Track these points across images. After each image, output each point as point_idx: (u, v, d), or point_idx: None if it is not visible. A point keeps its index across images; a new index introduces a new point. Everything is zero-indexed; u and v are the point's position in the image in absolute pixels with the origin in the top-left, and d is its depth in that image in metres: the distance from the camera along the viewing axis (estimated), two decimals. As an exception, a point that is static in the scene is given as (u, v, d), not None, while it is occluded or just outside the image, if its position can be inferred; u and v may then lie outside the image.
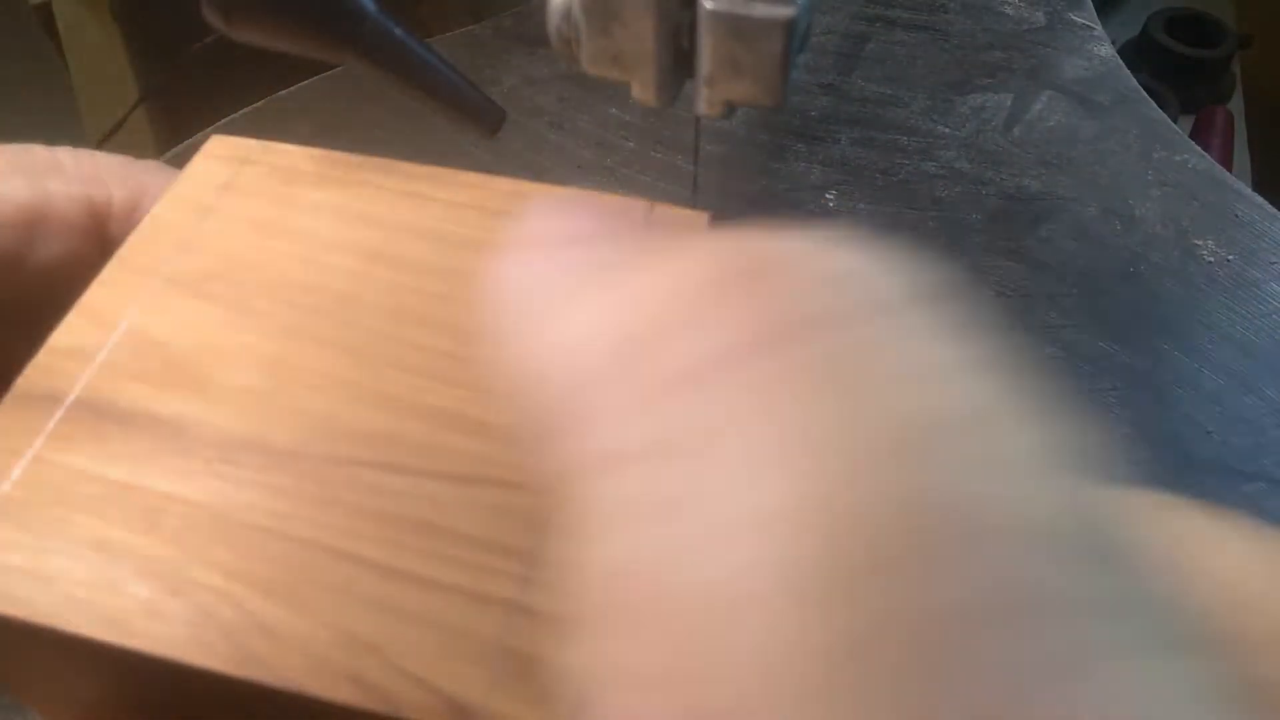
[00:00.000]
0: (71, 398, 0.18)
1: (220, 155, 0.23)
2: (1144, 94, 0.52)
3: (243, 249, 0.21)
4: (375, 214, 0.22)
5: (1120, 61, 0.54)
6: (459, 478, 0.18)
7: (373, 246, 0.21)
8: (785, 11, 0.23)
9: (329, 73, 0.52)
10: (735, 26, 0.23)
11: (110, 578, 0.16)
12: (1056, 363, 0.41)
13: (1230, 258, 0.44)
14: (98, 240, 0.22)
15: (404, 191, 0.22)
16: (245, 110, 0.52)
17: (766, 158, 0.50)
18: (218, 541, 0.17)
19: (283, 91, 0.53)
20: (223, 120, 0.50)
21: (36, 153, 0.22)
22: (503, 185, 0.23)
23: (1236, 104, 0.70)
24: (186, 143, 0.49)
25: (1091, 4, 0.57)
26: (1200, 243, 0.45)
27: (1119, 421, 0.38)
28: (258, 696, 0.16)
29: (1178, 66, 0.68)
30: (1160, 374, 0.40)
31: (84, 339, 0.19)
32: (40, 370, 0.19)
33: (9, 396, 0.18)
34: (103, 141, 0.53)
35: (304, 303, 0.20)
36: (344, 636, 0.16)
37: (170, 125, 0.57)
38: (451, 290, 0.21)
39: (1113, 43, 0.55)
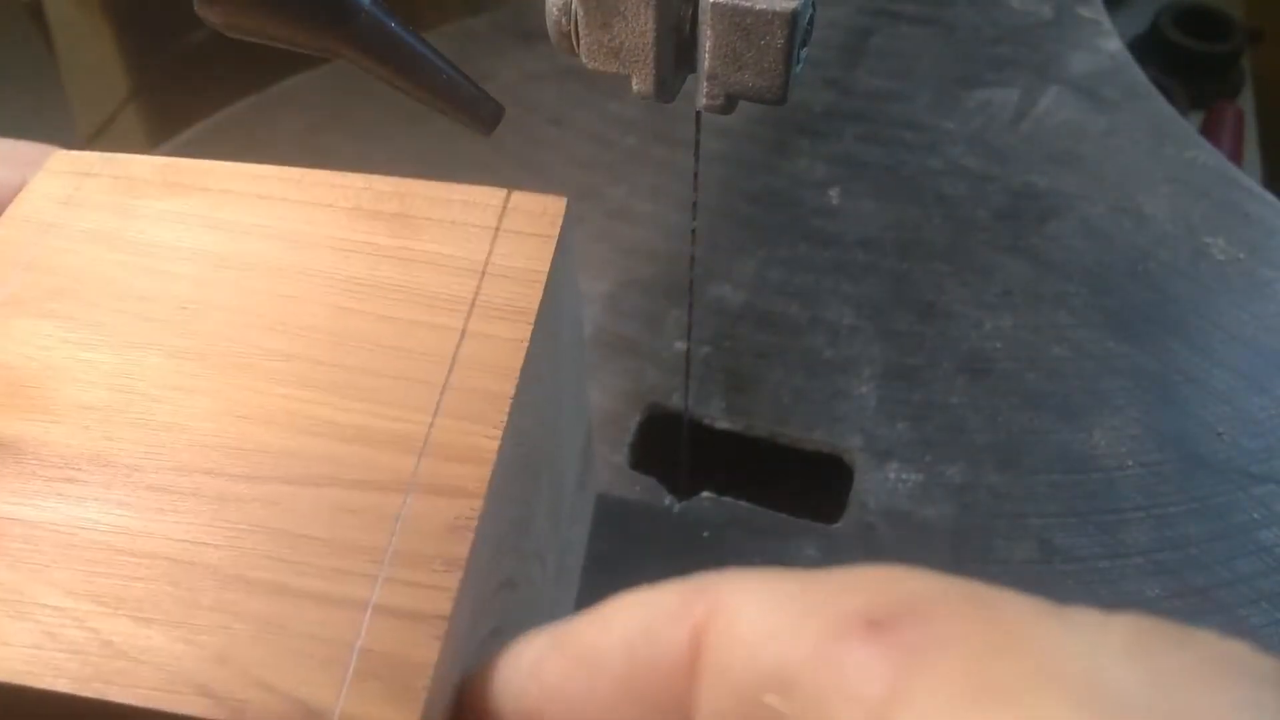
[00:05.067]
0: None
1: (61, 170, 0.22)
2: (1153, 89, 0.51)
3: (85, 264, 0.21)
4: (222, 219, 0.22)
5: (1129, 56, 0.53)
6: (308, 480, 0.17)
7: (219, 252, 0.21)
8: (788, 4, 0.23)
9: (322, 67, 0.52)
10: (737, 19, 0.23)
11: None
12: (1064, 362, 0.40)
13: (1241, 255, 0.43)
14: None
15: (252, 194, 0.22)
16: (236, 105, 0.51)
17: (769, 154, 0.50)
18: (60, 561, 0.16)
19: (275, 86, 0.52)
20: (213, 115, 0.49)
21: None
22: (355, 181, 0.22)
23: (1246, 99, 0.69)
24: (178, 138, 0.48)
25: (1099, -3, 0.56)
26: (1210, 240, 0.44)
27: (1127, 421, 0.38)
28: (109, 714, 0.15)
29: (1187, 61, 0.67)
30: (1169, 373, 0.39)
31: None
32: None
33: None
34: (94, 137, 0.52)
35: (148, 314, 0.20)
36: (193, 648, 0.15)
37: (161, 121, 0.56)
38: (300, 291, 0.20)
39: (1121, 37, 0.54)
